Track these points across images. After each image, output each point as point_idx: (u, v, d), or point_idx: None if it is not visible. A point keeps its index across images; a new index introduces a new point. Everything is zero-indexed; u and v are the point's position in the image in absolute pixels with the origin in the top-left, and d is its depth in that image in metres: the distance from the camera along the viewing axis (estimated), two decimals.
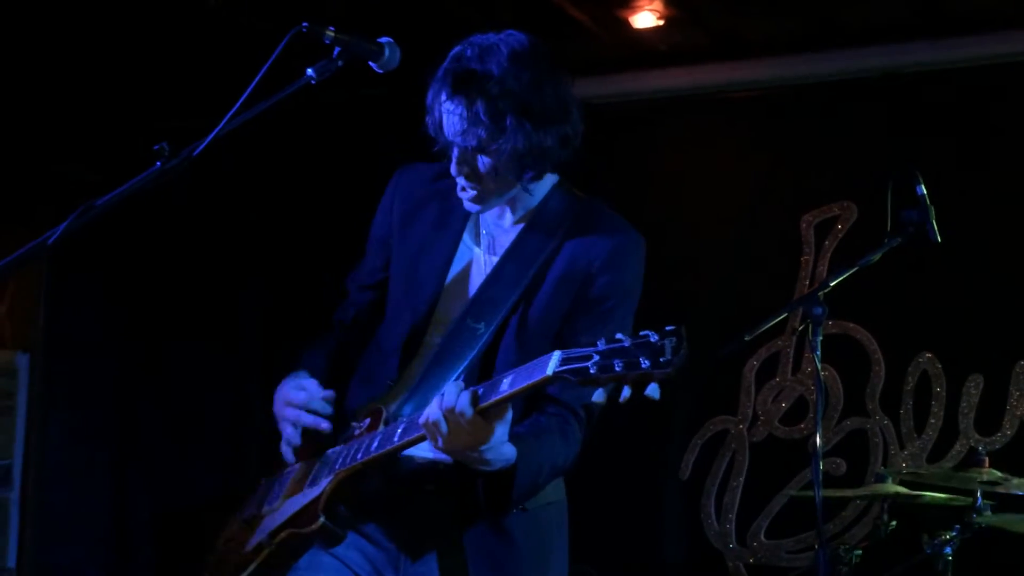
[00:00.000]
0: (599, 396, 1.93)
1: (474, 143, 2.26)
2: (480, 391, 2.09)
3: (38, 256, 2.03)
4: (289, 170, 5.44)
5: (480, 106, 2.23)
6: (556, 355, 1.95)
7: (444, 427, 2.09)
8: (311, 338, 2.64)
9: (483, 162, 2.29)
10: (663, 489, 5.11)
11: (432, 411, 2.11)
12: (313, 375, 2.50)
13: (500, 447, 2.13)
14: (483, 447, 2.10)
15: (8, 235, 2.40)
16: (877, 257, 3.29)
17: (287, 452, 2.47)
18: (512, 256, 2.40)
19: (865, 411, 4.82)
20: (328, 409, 2.42)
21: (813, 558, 3.10)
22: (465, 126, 2.25)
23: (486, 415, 2.08)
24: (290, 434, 2.44)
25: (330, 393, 2.43)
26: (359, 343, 2.58)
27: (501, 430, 2.10)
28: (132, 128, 4.69)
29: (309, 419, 2.40)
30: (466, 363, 2.33)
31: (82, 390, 5.07)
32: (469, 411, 2.06)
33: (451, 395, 2.09)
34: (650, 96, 5.33)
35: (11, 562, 4.82)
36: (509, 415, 2.10)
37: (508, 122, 2.23)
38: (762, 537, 4.90)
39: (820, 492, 3.12)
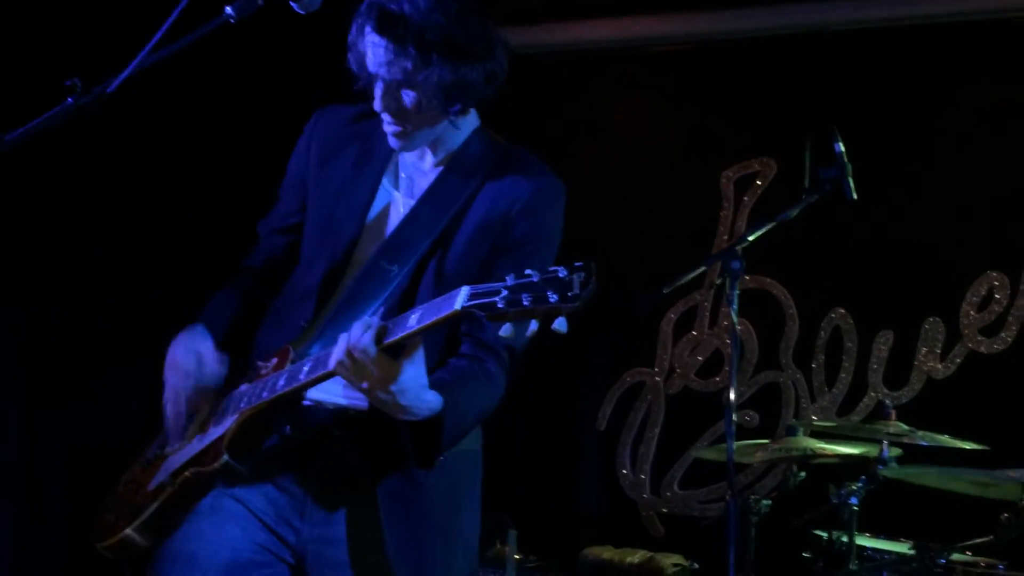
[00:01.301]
0: (507, 331, 1.94)
1: (400, 76, 2.25)
2: (388, 326, 2.08)
3: None
4: (212, 114, 5.35)
5: (407, 38, 2.22)
6: (464, 290, 1.96)
7: (348, 363, 2.08)
8: (220, 286, 2.60)
9: (408, 96, 2.28)
10: (580, 439, 5.16)
11: (338, 350, 2.10)
12: (211, 328, 2.48)
13: (418, 392, 2.12)
14: (394, 388, 2.08)
15: None
16: (795, 213, 3.33)
17: (170, 417, 2.44)
18: (429, 199, 2.39)
19: (779, 365, 4.92)
20: (217, 377, 2.40)
21: (724, 508, 3.15)
22: (391, 58, 2.24)
23: (394, 353, 2.07)
24: (169, 413, 2.42)
25: (223, 357, 2.41)
26: (271, 288, 2.56)
27: (412, 370, 2.09)
28: (48, 63, 4.56)
29: (190, 388, 2.39)
30: (378, 303, 2.32)
31: None
32: (372, 348, 2.05)
33: (356, 332, 2.08)
34: (576, 47, 5.32)
35: None
36: (420, 356, 2.09)
37: (434, 55, 2.22)
38: (675, 488, 4.99)
39: (732, 444, 3.17)
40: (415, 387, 2.11)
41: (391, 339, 2.06)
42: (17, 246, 4.98)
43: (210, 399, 2.42)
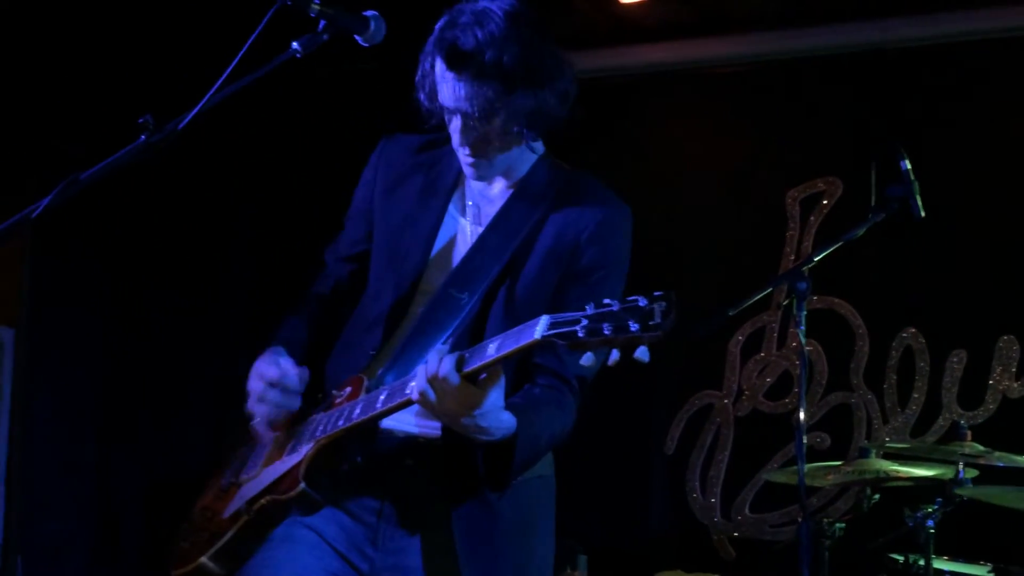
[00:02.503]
0: (588, 360, 1.94)
1: (483, 106, 2.26)
2: (466, 355, 2.08)
3: (22, 230, 2.02)
4: (277, 140, 5.43)
5: (486, 69, 2.22)
6: (544, 319, 1.96)
7: (432, 395, 2.09)
8: (289, 311, 2.63)
9: (490, 126, 2.30)
10: (649, 463, 5.13)
11: (419, 381, 2.11)
12: (289, 351, 2.50)
13: (497, 413, 2.12)
14: (477, 412, 2.09)
15: None
16: (861, 232, 3.29)
17: (258, 428, 2.45)
18: (497, 226, 2.40)
19: (849, 386, 4.85)
20: (298, 387, 2.40)
21: (796, 531, 3.12)
22: (472, 90, 2.24)
23: (476, 380, 2.08)
24: (258, 410, 2.41)
25: (303, 370, 2.41)
26: (338, 315, 2.58)
27: (495, 394, 2.09)
28: (120, 101, 4.67)
29: (274, 395, 2.37)
30: (449, 332, 2.33)
31: (67, 363, 5.06)
32: (454, 376, 2.06)
33: (434, 362, 2.08)
34: (636, 71, 5.33)
35: None
36: (502, 380, 2.09)
37: (516, 82, 2.23)
38: (746, 511, 4.93)
39: (803, 467, 3.13)
40: (495, 409, 2.12)
41: (470, 368, 2.06)
42: (93, 283, 5.09)
43: (286, 423, 2.45)
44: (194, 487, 2.61)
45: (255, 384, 2.42)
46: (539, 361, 2.33)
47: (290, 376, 2.39)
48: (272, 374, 2.39)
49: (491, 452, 2.20)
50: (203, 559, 2.36)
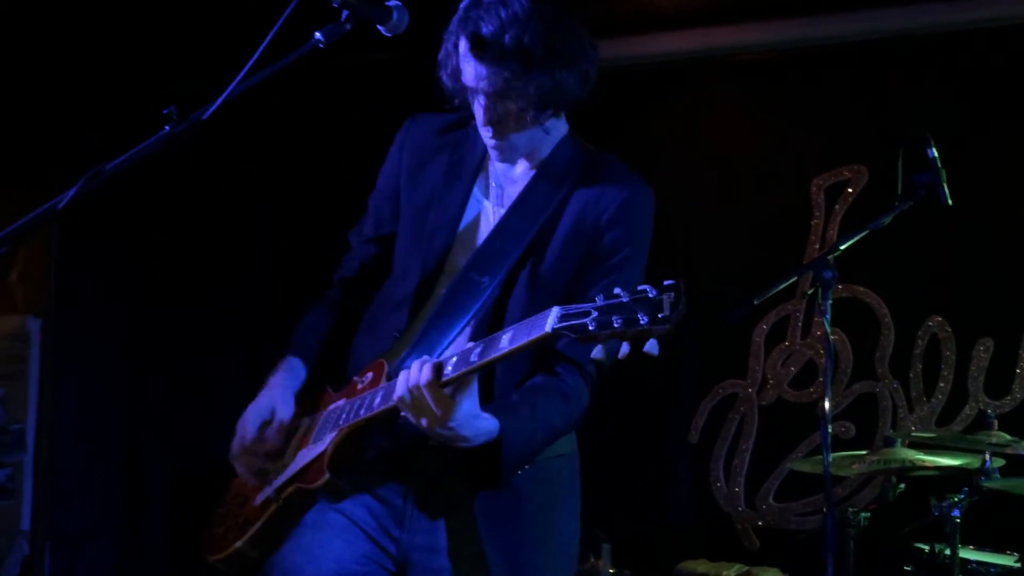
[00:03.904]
0: (598, 353, 1.94)
1: (502, 86, 2.26)
2: (445, 362, 2.10)
3: (48, 221, 2.03)
4: (300, 131, 5.43)
5: (506, 49, 2.22)
6: (555, 311, 1.96)
7: (408, 400, 2.12)
8: (308, 306, 2.64)
9: (510, 105, 2.29)
10: (672, 453, 5.12)
11: (399, 387, 2.14)
12: (304, 357, 2.54)
13: (473, 421, 2.14)
14: (451, 423, 2.12)
15: (21, 201, 2.41)
16: (887, 221, 3.27)
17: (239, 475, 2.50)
18: (518, 208, 2.40)
19: (874, 375, 4.83)
20: (275, 444, 2.44)
21: (821, 521, 3.11)
22: (492, 69, 2.25)
23: (458, 385, 2.10)
24: (235, 465, 2.48)
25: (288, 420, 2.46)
26: (364, 297, 2.59)
27: (467, 404, 2.11)
28: (144, 93, 4.69)
29: (248, 459, 2.45)
30: (470, 315, 2.33)
31: (94, 353, 5.09)
32: (430, 382, 2.09)
33: (415, 370, 2.11)
34: (659, 59, 5.30)
35: (25, 525, 4.86)
36: (474, 388, 2.11)
37: (536, 61, 2.23)
38: (771, 500, 4.92)
39: (828, 456, 3.12)
40: (469, 417, 2.14)
41: (486, 359, 2.07)
42: (119, 273, 5.12)
43: (290, 428, 2.48)
44: (220, 476, 2.62)
45: (236, 439, 2.47)
46: (555, 346, 2.32)
47: (268, 438, 2.43)
48: (248, 435, 2.44)
49: (476, 455, 2.21)
50: (239, 544, 2.41)
